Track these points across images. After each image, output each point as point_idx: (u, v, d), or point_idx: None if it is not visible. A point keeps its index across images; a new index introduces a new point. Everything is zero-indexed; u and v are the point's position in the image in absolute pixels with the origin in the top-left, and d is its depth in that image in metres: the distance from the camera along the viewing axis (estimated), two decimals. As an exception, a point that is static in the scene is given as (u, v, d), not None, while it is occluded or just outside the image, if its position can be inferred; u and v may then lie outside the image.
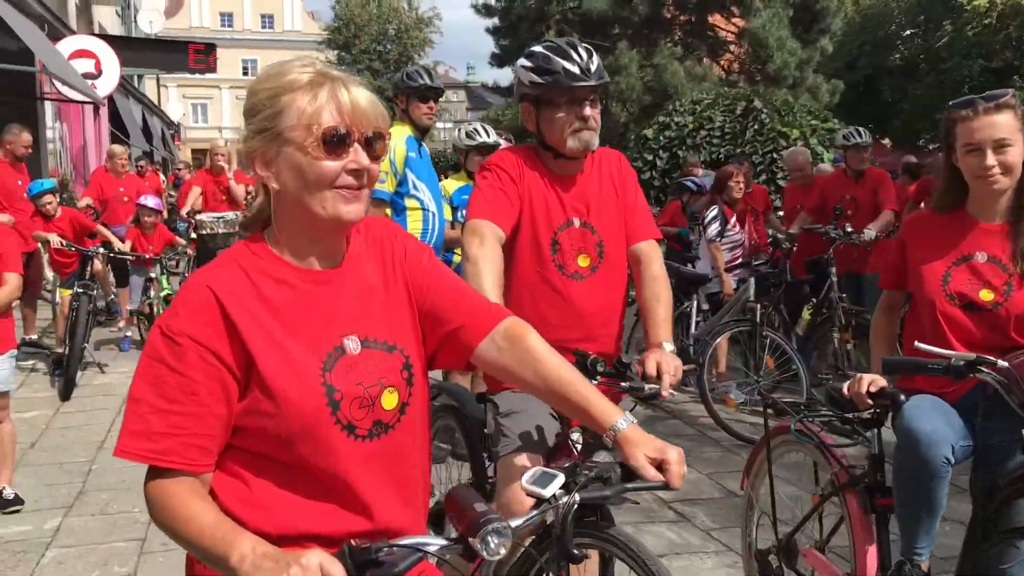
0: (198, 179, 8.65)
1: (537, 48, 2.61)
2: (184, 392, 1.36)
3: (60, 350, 7.10)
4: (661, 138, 12.43)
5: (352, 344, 1.49)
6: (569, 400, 1.61)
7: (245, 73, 57.64)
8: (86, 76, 13.53)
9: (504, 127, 40.10)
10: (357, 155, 1.43)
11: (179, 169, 16.12)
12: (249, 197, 8.66)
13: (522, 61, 2.63)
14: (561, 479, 1.51)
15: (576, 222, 2.63)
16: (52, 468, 5.06)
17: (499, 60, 27.39)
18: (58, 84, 13.68)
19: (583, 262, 2.63)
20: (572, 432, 2.43)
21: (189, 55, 16.78)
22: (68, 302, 7.00)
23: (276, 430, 1.41)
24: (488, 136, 5.35)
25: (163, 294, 7.80)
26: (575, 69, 2.52)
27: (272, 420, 1.41)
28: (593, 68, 2.54)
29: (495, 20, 26.28)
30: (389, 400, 1.50)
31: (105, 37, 15.29)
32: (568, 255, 2.61)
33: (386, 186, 4.47)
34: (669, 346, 2.51)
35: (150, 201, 7.96)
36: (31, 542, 4.07)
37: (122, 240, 7.85)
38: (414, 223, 4.58)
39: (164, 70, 17.51)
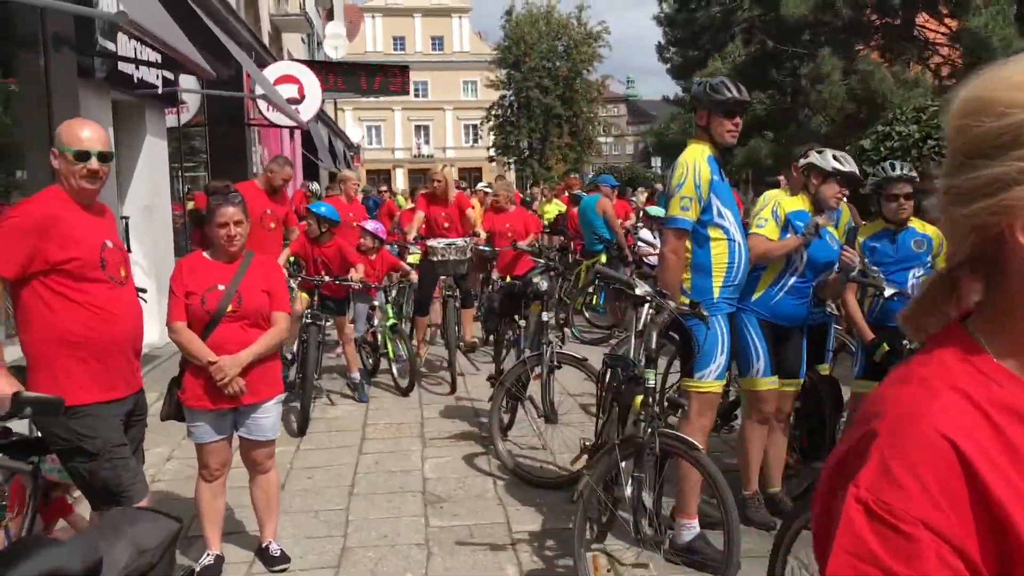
0: (420, 204, 8.38)
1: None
2: None
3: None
4: (881, 149, 11.52)
5: None
6: None
7: (416, 95, 59.12)
8: (290, 101, 13.79)
9: (669, 141, 38.96)
10: None
11: (383, 191, 16.14)
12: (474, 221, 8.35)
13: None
14: None
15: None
16: (307, 517, 4.75)
17: (679, 72, 26.56)
18: (262, 108, 14.03)
19: None
20: None
21: (384, 78, 16.90)
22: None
23: None
24: (852, 166, 4.42)
25: (388, 323, 7.53)
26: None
27: None
28: None
29: (676, 32, 25.47)
30: None
31: (306, 62, 15.59)
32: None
33: (689, 214, 3.90)
34: None
35: (371, 225, 7.74)
36: (308, 610, 3.72)
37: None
38: (719, 256, 3.98)
39: (359, 93, 17.68)
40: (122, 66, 7.88)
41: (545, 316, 5.42)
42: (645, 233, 10.26)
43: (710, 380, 3.97)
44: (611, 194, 10.80)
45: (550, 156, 46.90)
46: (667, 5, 27.21)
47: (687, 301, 3.82)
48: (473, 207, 8.90)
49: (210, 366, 3.81)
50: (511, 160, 48.41)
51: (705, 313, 3.66)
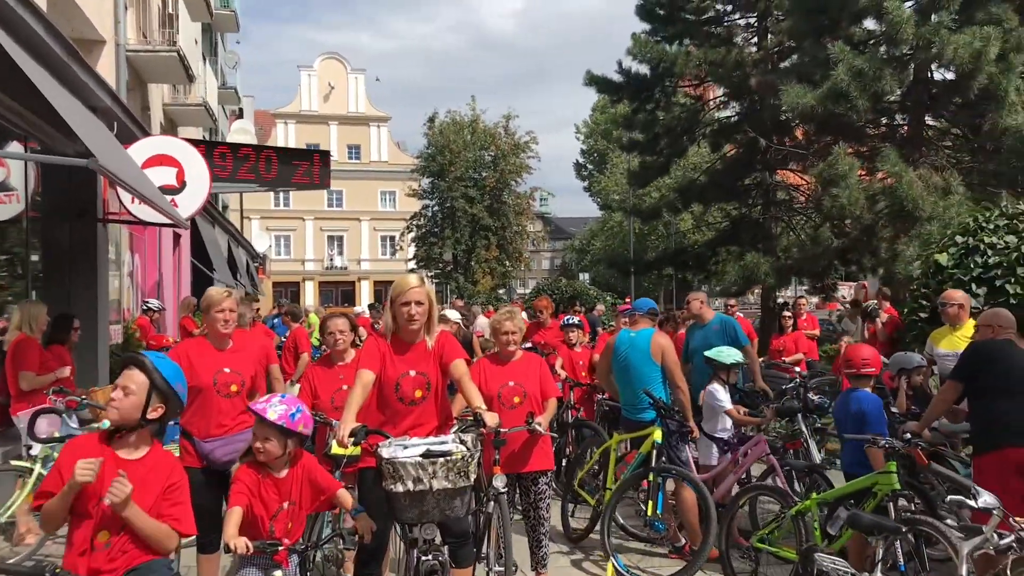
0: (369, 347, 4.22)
1: None
2: None
3: None
4: (971, 265, 8.71)
5: None
6: None
7: (330, 204, 55.49)
8: (164, 190, 9.72)
9: (595, 253, 35.82)
10: None
11: (286, 315, 11.55)
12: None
13: None
14: None
15: None
16: None
17: (640, 179, 23.47)
18: (126, 201, 9.90)
19: None
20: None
21: (301, 168, 12.82)
22: None
23: None
24: None
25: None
26: None
27: None
28: None
29: (633, 133, 22.37)
30: None
31: (193, 142, 11.54)
32: None
33: None
34: None
35: (277, 411, 3.45)
36: None
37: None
38: None
39: (264, 185, 13.53)
40: None
41: None
42: (717, 390, 6.39)
43: None
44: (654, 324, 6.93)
45: (476, 270, 43.36)
46: (621, 107, 24.33)
47: None
48: (468, 359, 4.79)
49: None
50: (433, 273, 44.70)
51: None
